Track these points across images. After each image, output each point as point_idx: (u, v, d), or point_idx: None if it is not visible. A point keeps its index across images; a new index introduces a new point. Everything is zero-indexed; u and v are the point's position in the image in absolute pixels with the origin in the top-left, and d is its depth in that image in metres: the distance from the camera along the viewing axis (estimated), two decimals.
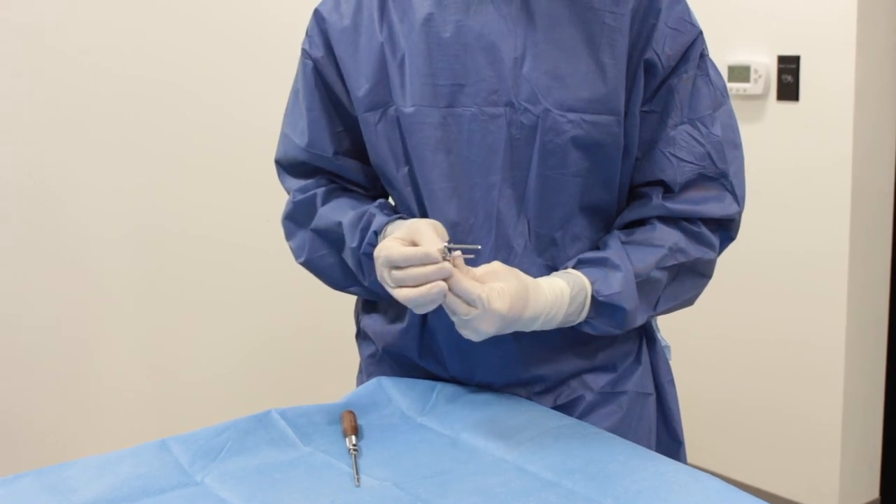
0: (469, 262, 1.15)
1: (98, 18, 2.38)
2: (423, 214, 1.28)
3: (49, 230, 2.36)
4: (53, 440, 2.41)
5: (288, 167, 1.40)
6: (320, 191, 1.35)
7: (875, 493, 2.93)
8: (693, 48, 1.26)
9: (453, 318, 1.14)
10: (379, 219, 1.26)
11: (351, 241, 1.28)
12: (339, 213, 1.31)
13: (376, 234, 1.25)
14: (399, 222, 1.24)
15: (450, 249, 1.11)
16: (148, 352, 2.55)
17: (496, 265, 1.15)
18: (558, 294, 1.18)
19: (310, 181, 1.37)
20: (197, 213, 2.58)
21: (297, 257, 1.37)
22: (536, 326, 1.18)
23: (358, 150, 1.36)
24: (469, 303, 1.11)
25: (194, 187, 2.57)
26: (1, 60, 2.26)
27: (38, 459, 2.29)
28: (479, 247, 1.16)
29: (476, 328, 1.12)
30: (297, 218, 1.37)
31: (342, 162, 1.36)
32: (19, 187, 2.31)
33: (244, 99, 2.61)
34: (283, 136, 1.40)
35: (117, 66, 2.42)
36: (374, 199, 1.35)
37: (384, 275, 1.16)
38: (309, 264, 1.36)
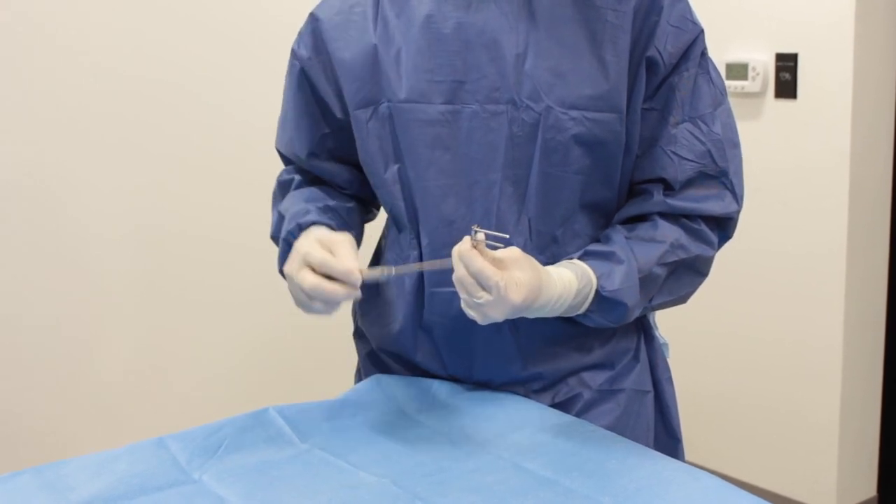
0: None
1: (98, 18, 2.38)
2: (412, 213, 1.28)
3: (49, 230, 2.36)
4: (53, 440, 2.41)
5: (282, 155, 1.46)
6: (297, 178, 1.40)
7: (872, 490, 2.93)
8: (695, 46, 1.26)
9: (463, 297, 1.12)
10: (311, 216, 1.29)
11: (285, 229, 1.32)
12: (297, 201, 1.35)
13: (300, 227, 1.28)
14: (325, 229, 1.27)
15: (476, 232, 1.10)
16: (148, 352, 2.55)
17: (515, 251, 1.13)
18: (566, 285, 1.17)
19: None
20: (197, 213, 2.59)
21: (270, 233, 1.40)
22: (539, 314, 1.18)
23: (343, 151, 1.37)
24: (485, 287, 1.10)
25: (194, 187, 2.57)
26: (0, 60, 2.26)
27: (38, 459, 2.28)
28: (507, 236, 1.14)
29: (485, 313, 1.11)
30: (275, 196, 1.43)
31: (315, 163, 1.39)
32: (19, 187, 2.31)
33: (244, 99, 2.61)
34: (278, 126, 1.45)
35: (117, 66, 2.42)
36: (351, 197, 1.39)
37: (296, 271, 1.19)
38: (274, 241, 1.39)
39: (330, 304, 1.18)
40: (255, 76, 2.61)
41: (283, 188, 1.42)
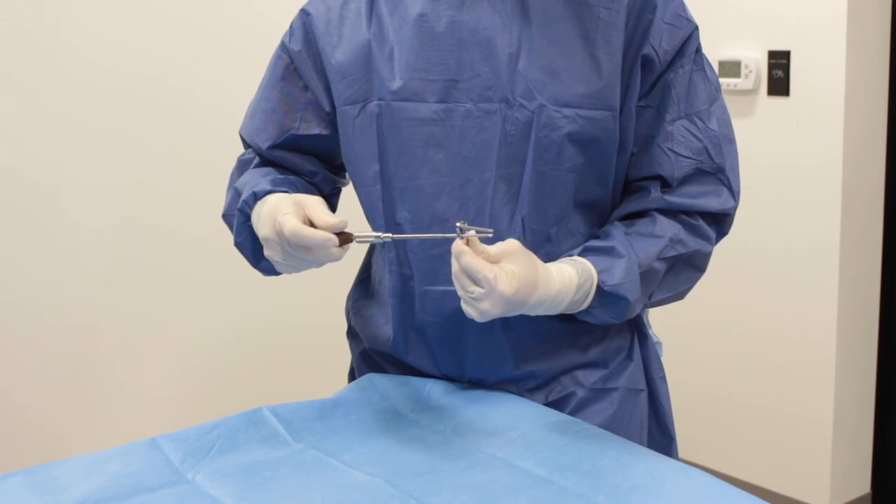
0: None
1: (97, 17, 2.37)
2: (390, 214, 1.27)
3: (48, 229, 2.36)
4: (53, 439, 2.40)
5: (244, 141, 1.45)
6: (258, 159, 1.38)
7: (866, 487, 2.94)
8: (689, 43, 1.27)
9: (459, 293, 1.12)
10: (266, 186, 1.25)
11: (241, 200, 1.27)
12: (254, 176, 1.32)
13: (255, 195, 1.24)
14: (284, 195, 1.22)
15: (462, 230, 1.10)
16: (142, 350, 2.55)
17: (512, 244, 1.12)
18: (567, 281, 1.17)
19: None
20: (196, 212, 2.58)
21: (223, 211, 1.37)
22: (540, 312, 1.17)
23: (313, 145, 1.36)
24: (476, 281, 1.09)
25: (192, 185, 2.56)
26: None
27: (37, 458, 2.28)
28: (492, 231, 1.13)
29: (479, 307, 1.10)
30: (233, 176, 1.41)
31: (277, 153, 1.37)
32: (18, 186, 2.30)
33: (244, 99, 2.59)
34: (247, 114, 1.44)
35: (114, 64, 2.41)
36: (311, 184, 1.38)
37: (285, 248, 1.13)
38: (225, 219, 1.36)
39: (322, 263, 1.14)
40: (254, 76, 2.59)
41: (242, 167, 1.39)
